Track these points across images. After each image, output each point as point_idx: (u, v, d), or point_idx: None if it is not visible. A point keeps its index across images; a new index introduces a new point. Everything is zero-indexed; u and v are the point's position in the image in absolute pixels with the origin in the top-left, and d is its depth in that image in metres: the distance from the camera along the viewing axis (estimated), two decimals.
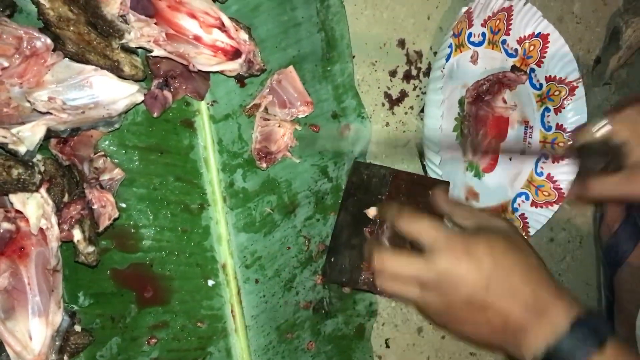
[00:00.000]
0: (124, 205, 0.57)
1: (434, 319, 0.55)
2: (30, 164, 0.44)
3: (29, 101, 0.45)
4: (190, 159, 0.60)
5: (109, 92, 0.48)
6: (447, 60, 0.73)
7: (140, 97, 0.50)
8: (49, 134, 0.46)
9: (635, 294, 0.86)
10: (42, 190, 0.46)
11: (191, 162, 0.60)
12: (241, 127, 0.62)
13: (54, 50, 0.48)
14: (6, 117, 0.44)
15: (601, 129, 0.64)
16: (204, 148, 0.61)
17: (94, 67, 0.47)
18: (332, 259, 0.67)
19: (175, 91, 0.58)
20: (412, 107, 0.75)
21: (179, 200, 0.60)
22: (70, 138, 0.50)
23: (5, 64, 0.44)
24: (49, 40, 0.46)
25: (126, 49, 0.50)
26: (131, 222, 0.57)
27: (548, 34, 0.81)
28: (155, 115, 0.56)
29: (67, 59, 0.47)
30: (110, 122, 0.50)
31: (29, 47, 0.45)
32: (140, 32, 0.49)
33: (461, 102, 0.78)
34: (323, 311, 0.69)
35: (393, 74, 0.74)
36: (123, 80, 0.49)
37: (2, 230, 0.47)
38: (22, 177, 0.43)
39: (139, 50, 0.53)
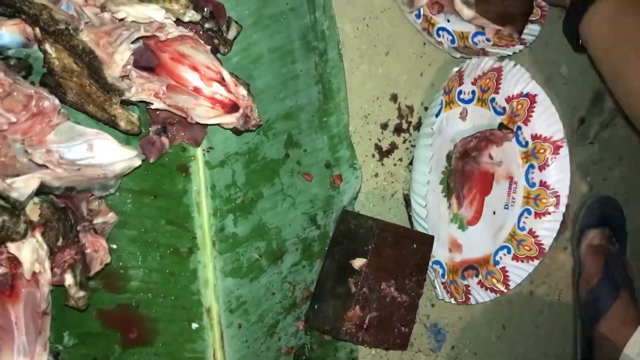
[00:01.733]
0: (114, 246, 0.58)
1: None
2: (17, 212, 0.45)
3: (26, 151, 0.46)
4: (183, 203, 0.62)
5: (108, 154, 0.49)
6: (437, 116, 0.76)
7: (137, 162, 0.51)
8: (43, 189, 0.47)
9: (613, 350, 0.88)
10: (38, 235, 0.47)
11: (184, 206, 0.62)
12: (235, 173, 0.64)
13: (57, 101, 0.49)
14: (2, 165, 0.45)
15: None
16: (197, 193, 0.62)
17: (96, 130, 0.49)
18: (316, 306, 0.69)
19: (173, 137, 0.60)
20: (401, 159, 0.78)
21: (169, 243, 0.61)
22: None
23: (13, 119, 0.45)
24: (56, 101, 0.47)
25: (126, 102, 0.52)
26: (120, 264, 0.58)
27: (535, 94, 0.84)
28: (151, 161, 0.57)
29: (71, 121, 0.49)
30: (106, 185, 0.52)
31: (37, 105, 0.46)
32: (141, 88, 0.50)
33: (449, 157, 0.80)
34: (304, 357, 0.70)
35: (384, 126, 0.76)
36: (123, 146, 0.50)
37: None
38: (7, 224, 0.44)
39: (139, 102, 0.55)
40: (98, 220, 0.54)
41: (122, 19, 0.50)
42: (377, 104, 0.75)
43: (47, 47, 0.49)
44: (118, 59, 0.47)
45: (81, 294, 0.49)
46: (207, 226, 0.63)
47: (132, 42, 0.49)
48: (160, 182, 0.60)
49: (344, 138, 0.70)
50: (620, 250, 0.98)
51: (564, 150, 0.86)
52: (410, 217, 0.78)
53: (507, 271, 0.86)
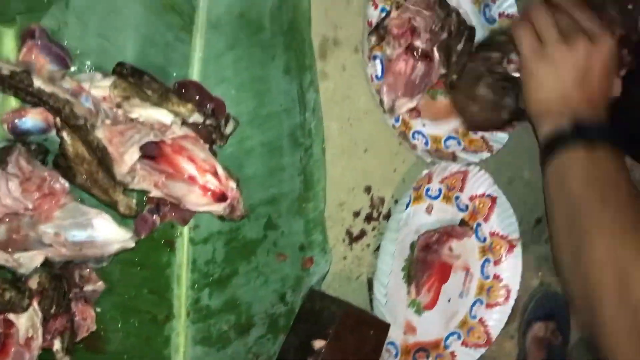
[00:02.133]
0: (99, 309, 0.63)
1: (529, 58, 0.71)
2: (22, 289, 0.51)
3: (35, 229, 0.52)
4: (165, 274, 0.67)
5: (106, 234, 0.55)
6: (405, 208, 0.83)
7: (132, 244, 0.57)
8: (44, 262, 0.53)
9: None
10: (35, 304, 0.53)
11: (165, 277, 0.67)
12: (216, 250, 0.70)
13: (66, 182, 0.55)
14: (12, 242, 0.51)
15: None
16: (179, 266, 0.68)
17: (97, 211, 0.55)
18: None
19: (164, 215, 0.66)
20: (368, 245, 0.85)
21: (149, 311, 0.66)
22: None
23: (30, 206, 0.51)
24: (67, 185, 0.53)
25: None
26: (102, 326, 0.63)
27: (496, 197, 0.93)
28: (142, 236, 0.63)
29: (76, 202, 0.55)
30: (100, 260, 0.58)
31: (49, 187, 0.53)
32: (142, 179, 0.57)
33: (412, 246, 0.88)
34: None
35: (357, 214, 0.83)
36: (120, 227, 0.56)
37: None
38: (13, 300, 0.50)
39: None
40: (88, 288, 0.60)
41: (134, 119, 0.56)
42: (352, 194, 0.82)
43: (64, 135, 0.56)
44: (127, 159, 0.53)
45: (66, 359, 0.55)
46: (184, 297, 0.69)
47: None
48: (148, 254, 0.66)
49: (319, 223, 0.77)
50: (563, 342, 1.06)
51: (518, 249, 0.95)
52: (371, 300, 0.84)
53: (455, 356, 0.93)
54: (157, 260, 0.67)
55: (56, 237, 0.52)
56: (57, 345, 0.54)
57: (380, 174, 0.84)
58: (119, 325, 0.65)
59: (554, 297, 1.05)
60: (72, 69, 0.58)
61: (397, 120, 0.82)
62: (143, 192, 0.63)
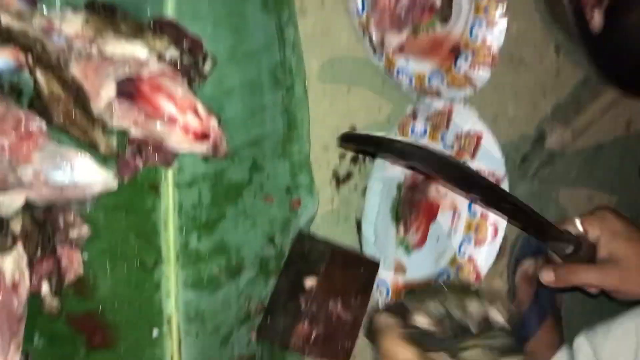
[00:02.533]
0: (86, 256, 0.62)
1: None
2: (4, 229, 0.50)
3: (14, 170, 0.51)
4: (151, 219, 0.67)
5: (87, 176, 0.54)
6: None
7: (114, 184, 0.56)
8: (25, 205, 0.52)
9: None
10: (19, 247, 0.52)
11: (152, 222, 0.67)
12: (202, 194, 0.69)
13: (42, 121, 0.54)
14: None
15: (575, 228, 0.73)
16: (165, 210, 0.67)
17: (77, 152, 0.54)
18: (268, 319, 0.75)
19: (146, 159, 0.64)
20: (356, 186, 0.84)
21: (136, 256, 0.66)
22: None
23: (6, 146, 0.50)
24: (44, 125, 0.52)
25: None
26: (90, 272, 0.63)
27: (482, 132, 0.92)
28: (125, 180, 0.62)
29: (54, 143, 0.53)
30: (83, 202, 0.57)
31: (25, 128, 0.51)
32: (121, 117, 0.55)
33: (399, 187, 0.87)
34: None
35: (342, 156, 0.82)
36: (101, 167, 0.55)
37: None
38: None
39: None
40: (73, 233, 0.59)
41: (109, 55, 0.55)
42: (336, 135, 0.81)
43: (38, 74, 0.54)
44: (104, 94, 0.52)
45: (55, 302, 0.54)
46: (172, 242, 0.68)
47: None
48: (132, 199, 0.65)
49: (304, 165, 0.76)
50: None
51: (504, 185, 0.95)
52: (360, 240, 0.84)
53: None
54: (142, 204, 0.66)
55: (35, 176, 0.51)
56: (45, 289, 0.54)
57: (364, 113, 0.83)
58: (108, 272, 0.64)
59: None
60: (42, 6, 0.56)
61: (380, 57, 0.81)
62: (124, 135, 0.62)
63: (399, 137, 0.63)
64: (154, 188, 0.66)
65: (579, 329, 0.96)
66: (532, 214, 0.68)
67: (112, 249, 0.64)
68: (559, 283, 0.73)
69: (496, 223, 0.95)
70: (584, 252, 0.71)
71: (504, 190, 0.67)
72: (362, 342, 0.87)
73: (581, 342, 0.92)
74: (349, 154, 0.83)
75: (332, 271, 0.73)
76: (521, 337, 1.01)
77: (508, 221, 0.83)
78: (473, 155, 0.93)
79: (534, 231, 0.73)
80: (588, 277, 0.72)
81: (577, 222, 0.72)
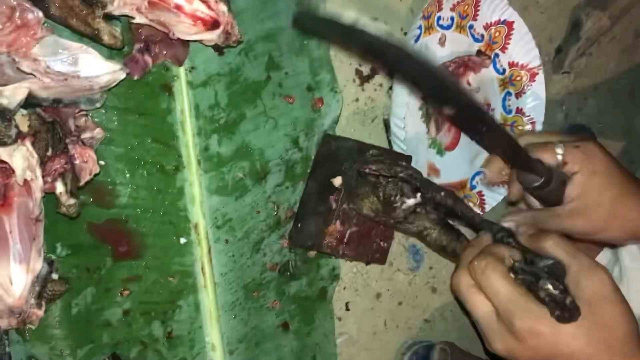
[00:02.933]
0: (102, 163, 0.59)
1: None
2: (7, 117, 0.46)
3: (13, 59, 0.47)
4: (167, 122, 0.63)
5: (93, 67, 0.50)
6: (416, 41, 0.77)
7: (122, 75, 0.53)
8: (31, 100, 0.48)
9: None
10: (28, 144, 0.49)
11: (168, 125, 0.63)
12: (218, 94, 0.65)
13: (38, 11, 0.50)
14: None
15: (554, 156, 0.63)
16: (181, 112, 0.64)
17: (80, 45, 0.50)
18: (299, 225, 0.71)
19: (156, 56, 0.61)
20: (381, 84, 0.79)
21: (155, 161, 0.63)
22: None
23: (2, 38, 0.46)
24: (40, 14, 0.48)
25: (108, 17, 0.53)
26: (108, 180, 0.60)
27: (513, 22, 0.86)
28: (135, 78, 0.58)
29: (55, 35, 0.50)
30: (92, 99, 0.53)
31: (21, 18, 0.47)
32: (123, 1, 0.51)
33: None
34: (288, 273, 0.73)
35: None
36: (108, 60, 0.51)
37: None
38: None
39: (122, 18, 0.56)
40: (85, 135, 0.56)
41: None
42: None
43: None
44: None
45: (72, 201, 0.51)
46: (191, 145, 0.65)
47: None
48: (145, 100, 0.61)
49: (324, 62, 0.71)
50: None
51: (540, 78, 0.89)
52: (389, 142, 0.80)
53: (483, 195, 0.90)
54: (156, 106, 0.62)
55: (35, 63, 0.47)
56: (59, 187, 0.51)
57: (385, 4, 0.77)
58: (127, 178, 0.61)
59: (581, 131, 1.00)
60: None
61: None
62: (129, 26, 0.58)
63: (370, 30, 0.49)
64: (167, 88, 0.63)
65: None
66: (506, 138, 0.61)
67: (128, 154, 0.61)
68: (524, 229, 0.61)
69: (533, 118, 0.89)
70: (552, 187, 0.62)
71: (482, 109, 0.57)
72: (398, 247, 0.84)
73: None
74: None
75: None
76: None
77: (477, 141, 0.75)
78: (504, 46, 0.87)
79: (505, 156, 0.66)
80: (557, 224, 0.62)
81: (559, 150, 0.62)
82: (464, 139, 0.88)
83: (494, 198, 0.88)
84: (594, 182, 0.60)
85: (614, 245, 0.87)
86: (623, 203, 0.61)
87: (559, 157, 0.62)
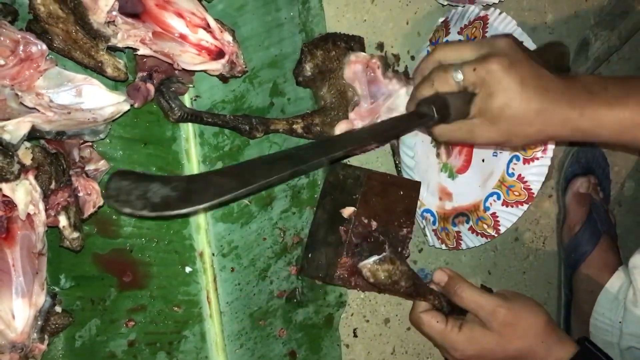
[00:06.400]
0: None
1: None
2: (10, 153, 0.46)
3: (17, 94, 0.47)
4: (172, 150, 0.63)
5: (97, 99, 0.50)
6: None
7: (126, 106, 0.52)
8: (34, 133, 0.48)
9: (591, 294, 0.91)
10: (31, 177, 0.48)
11: (173, 153, 0.63)
12: None
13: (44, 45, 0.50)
14: None
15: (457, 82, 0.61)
16: (186, 140, 0.63)
17: (84, 76, 0.50)
18: (310, 255, 0.70)
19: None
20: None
21: None
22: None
23: (1, 62, 0.46)
24: (44, 47, 0.48)
25: (112, 48, 0.52)
26: (112, 210, 0.60)
27: (522, 42, 0.85)
28: (136, 105, 0.58)
29: (59, 67, 0.49)
30: (96, 130, 0.53)
31: (24, 51, 0.47)
32: (127, 34, 0.51)
33: None
34: (295, 300, 0.72)
35: None
36: (112, 91, 0.51)
37: None
38: (1, 164, 0.45)
39: (126, 48, 0.56)
40: (90, 167, 0.56)
41: None
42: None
43: None
44: (102, 5, 0.47)
45: (75, 235, 0.51)
46: (196, 173, 0.64)
47: None
48: (150, 129, 0.61)
49: None
50: (604, 197, 1.00)
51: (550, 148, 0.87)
52: (396, 166, 0.79)
53: (497, 216, 0.88)
54: (161, 135, 0.62)
55: (38, 97, 0.47)
56: (63, 221, 0.50)
57: (391, 27, 0.77)
58: None
59: (592, 151, 0.99)
60: None
61: None
62: (133, 58, 0.58)
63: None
64: None
65: (635, 249, 0.90)
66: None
67: None
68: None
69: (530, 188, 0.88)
70: (459, 109, 0.61)
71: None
72: None
73: (638, 261, 0.86)
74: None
75: (370, 197, 0.68)
76: (574, 261, 0.95)
77: None
78: None
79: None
80: (455, 132, 0.63)
81: (459, 76, 0.60)
82: (476, 161, 0.87)
83: (508, 219, 0.87)
84: (492, 103, 0.59)
85: None
86: (530, 118, 0.61)
87: (459, 83, 0.61)
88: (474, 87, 0.60)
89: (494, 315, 0.70)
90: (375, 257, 0.66)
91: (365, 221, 0.68)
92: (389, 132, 0.63)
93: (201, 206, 0.46)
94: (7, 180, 0.46)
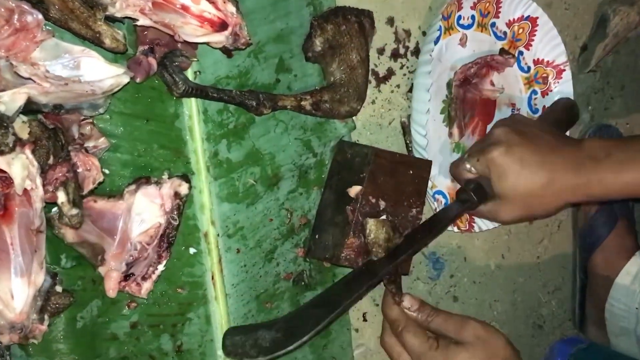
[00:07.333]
0: (107, 171, 0.57)
1: None
2: (5, 124, 0.44)
3: (12, 65, 0.45)
4: (175, 127, 0.61)
5: (95, 71, 0.48)
6: (435, 43, 0.74)
7: (126, 79, 0.50)
8: (31, 106, 0.46)
9: (606, 279, 0.89)
10: (28, 152, 0.47)
11: (176, 130, 0.61)
12: None
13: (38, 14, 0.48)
14: None
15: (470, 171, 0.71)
16: (189, 117, 0.61)
17: (82, 48, 0.48)
18: (317, 236, 0.69)
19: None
20: (398, 86, 0.76)
21: (163, 168, 0.60)
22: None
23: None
24: (40, 16, 0.46)
25: (111, 19, 0.51)
26: (114, 188, 0.58)
27: (537, 17, 0.82)
28: (138, 80, 0.56)
29: (56, 38, 0.47)
30: (95, 104, 0.51)
31: (19, 20, 0.45)
32: (125, 3, 0.49)
33: (449, 85, 0.79)
34: (303, 283, 0.70)
35: (381, 51, 0.74)
36: (111, 63, 0.49)
37: None
38: None
39: (126, 20, 0.54)
40: (89, 144, 0.54)
41: None
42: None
43: None
44: None
45: (74, 211, 0.49)
46: (200, 151, 0.62)
47: None
48: (152, 105, 0.59)
49: None
50: None
51: (567, 75, 0.85)
52: (407, 145, 0.77)
53: None
54: (163, 111, 0.60)
55: (34, 67, 0.45)
56: (61, 197, 0.49)
57: (402, 2, 0.74)
58: None
59: (608, 132, 0.96)
60: None
61: None
62: (133, 29, 0.56)
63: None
64: None
65: None
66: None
67: (135, 161, 0.59)
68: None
69: None
70: (487, 190, 0.70)
71: None
72: (418, 256, 0.81)
73: None
74: (388, 48, 0.74)
75: (377, 175, 0.66)
76: (589, 245, 0.92)
77: None
78: (528, 43, 0.84)
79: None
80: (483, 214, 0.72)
81: (467, 166, 0.71)
82: None
83: None
84: (503, 186, 0.67)
85: None
86: (540, 191, 0.67)
87: (472, 170, 0.70)
88: (484, 174, 0.69)
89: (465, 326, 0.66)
90: (384, 217, 0.65)
91: (373, 200, 0.66)
92: (442, 222, 0.71)
93: (305, 338, 0.56)
94: (2, 153, 0.44)
